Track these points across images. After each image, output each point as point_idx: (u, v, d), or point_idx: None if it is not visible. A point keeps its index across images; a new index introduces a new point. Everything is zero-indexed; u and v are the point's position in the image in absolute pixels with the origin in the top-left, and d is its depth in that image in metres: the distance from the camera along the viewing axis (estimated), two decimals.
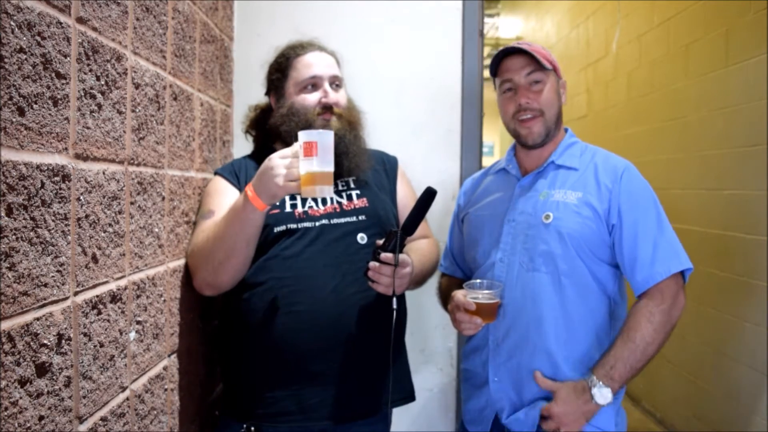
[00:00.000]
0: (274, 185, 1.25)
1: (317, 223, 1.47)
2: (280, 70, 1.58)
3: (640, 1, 3.67)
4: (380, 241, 1.37)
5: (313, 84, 1.54)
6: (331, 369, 1.42)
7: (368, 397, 1.47)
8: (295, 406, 1.41)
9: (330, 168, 1.25)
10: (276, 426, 1.42)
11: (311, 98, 1.53)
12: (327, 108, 1.53)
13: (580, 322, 1.38)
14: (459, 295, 1.42)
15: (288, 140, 1.49)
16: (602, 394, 1.30)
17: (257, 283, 1.43)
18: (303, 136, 1.24)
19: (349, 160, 1.53)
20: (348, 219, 1.50)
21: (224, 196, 1.50)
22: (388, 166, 1.69)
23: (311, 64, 1.55)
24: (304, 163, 1.23)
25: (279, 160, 1.25)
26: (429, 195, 1.36)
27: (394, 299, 1.36)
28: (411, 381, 1.61)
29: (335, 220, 1.49)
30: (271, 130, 1.58)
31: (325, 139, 1.24)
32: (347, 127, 1.54)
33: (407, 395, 1.58)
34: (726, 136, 2.79)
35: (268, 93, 1.66)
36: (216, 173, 1.57)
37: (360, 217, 1.52)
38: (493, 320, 1.40)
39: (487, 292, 1.38)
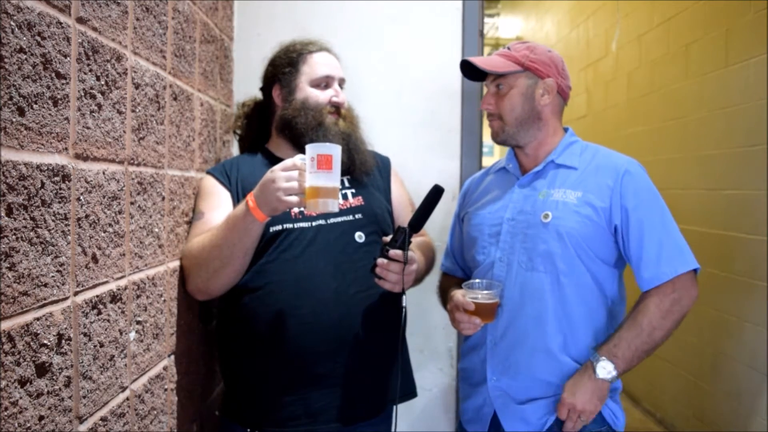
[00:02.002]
0: (275, 199, 1.23)
1: (314, 223, 1.47)
2: (291, 64, 1.59)
3: (640, 1, 3.67)
4: (386, 238, 1.37)
5: (326, 83, 1.58)
6: (337, 371, 1.42)
7: (374, 396, 1.47)
8: (302, 411, 1.40)
9: (338, 182, 1.23)
10: (283, 431, 1.41)
11: (324, 95, 1.56)
12: (336, 107, 1.57)
13: (579, 322, 1.38)
14: (458, 294, 1.42)
15: (299, 133, 1.50)
16: (604, 368, 1.31)
17: (257, 287, 1.42)
18: (314, 149, 1.21)
19: (359, 157, 1.56)
20: (345, 218, 1.50)
21: (214, 196, 1.50)
22: (381, 165, 1.70)
23: (325, 63, 1.59)
24: (312, 177, 1.21)
25: (281, 173, 1.23)
26: (437, 192, 1.37)
27: (404, 297, 1.36)
28: (413, 377, 1.62)
29: (332, 220, 1.48)
30: (281, 121, 1.57)
31: (337, 153, 1.22)
32: (352, 127, 1.58)
33: (410, 392, 1.59)
34: (726, 136, 2.79)
35: (269, 87, 1.64)
36: (207, 173, 1.57)
37: (356, 216, 1.51)
38: (492, 320, 1.40)
39: (486, 292, 1.38)
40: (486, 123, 1.67)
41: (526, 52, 1.43)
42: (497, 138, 1.48)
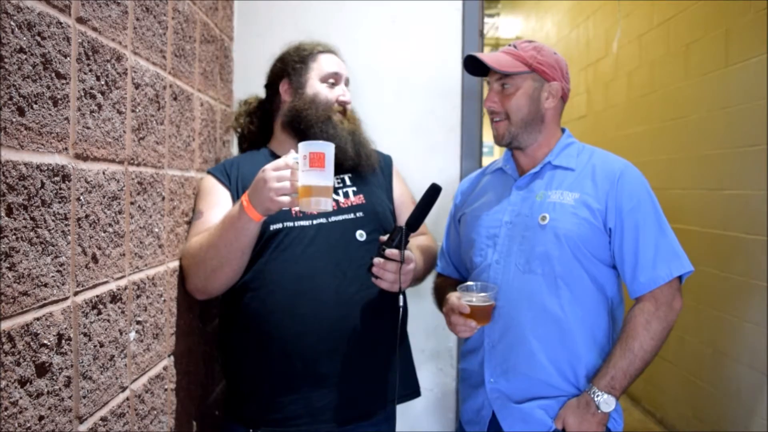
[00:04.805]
0: (267, 199, 1.23)
1: (314, 222, 1.47)
2: (302, 61, 1.61)
3: (640, 1, 3.67)
4: (384, 237, 1.37)
5: (334, 80, 1.61)
6: (337, 370, 1.41)
7: (374, 396, 1.47)
8: (304, 410, 1.41)
9: (331, 181, 1.22)
10: (284, 430, 1.41)
11: (332, 93, 1.59)
12: (342, 106, 1.59)
13: (576, 324, 1.37)
14: (453, 297, 1.41)
15: (309, 125, 1.52)
16: (607, 403, 1.33)
17: (257, 287, 1.42)
18: (307, 146, 1.20)
19: (365, 150, 1.58)
20: (345, 216, 1.50)
21: (213, 195, 1.50)
22: (383, 163, 1.70)
23: (334, 62, 1.63)
24: (305, 175, 1.20)
25: (273, 173, 1.23)
26: (434, 191, 1.37)
27: (401, 296, 1.36)
28: (416, 376, 1.62)
29: (333, 218, 1.48)
30: (290, 114, 1.57)
31: (330, 151, 1.21)
32: (356, 126, 1.60)
33: (413, 391, 1.58)
34: (726, 136, 2.79)
35: (274, 83, 1.64)
36: (207, 172, 1.57)
37: (358, 214, 1.51)
38: (487, 323, 1.40)
39: (481, 294, 1.37)
40: (486, 124, 1.67)
41: (534, 53, 1.42)
42: (502, 140, 1.47)
